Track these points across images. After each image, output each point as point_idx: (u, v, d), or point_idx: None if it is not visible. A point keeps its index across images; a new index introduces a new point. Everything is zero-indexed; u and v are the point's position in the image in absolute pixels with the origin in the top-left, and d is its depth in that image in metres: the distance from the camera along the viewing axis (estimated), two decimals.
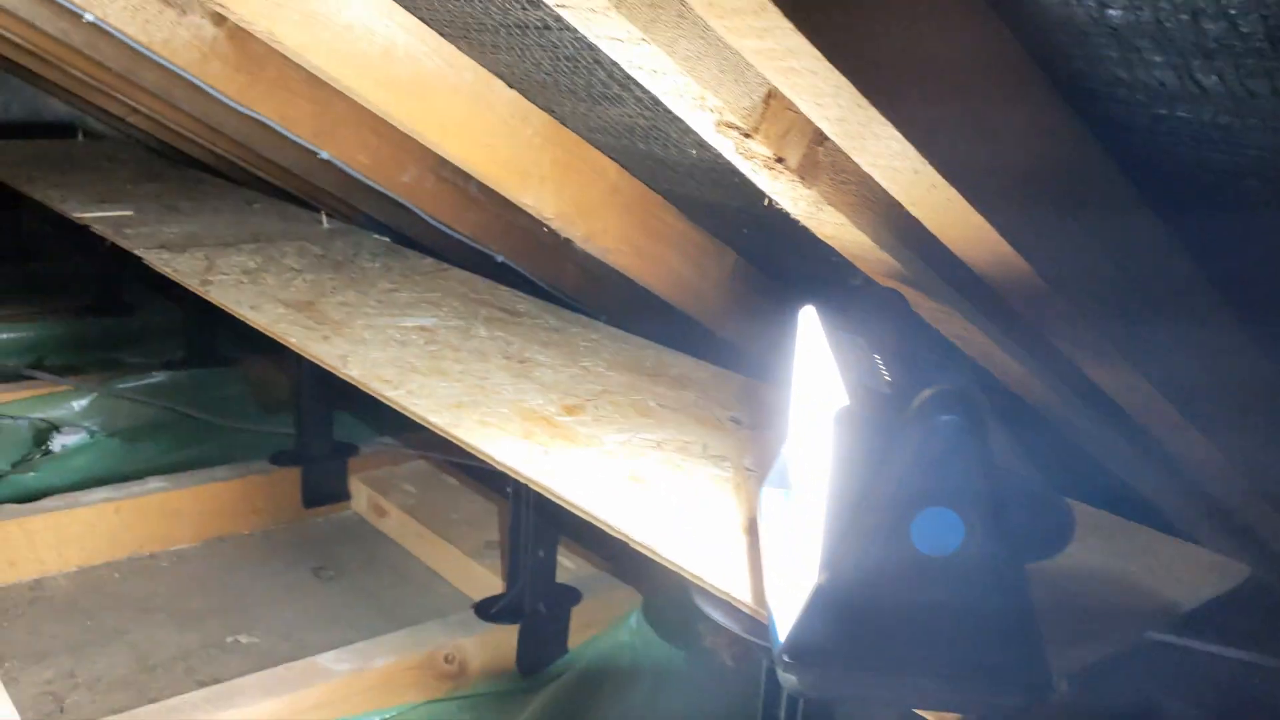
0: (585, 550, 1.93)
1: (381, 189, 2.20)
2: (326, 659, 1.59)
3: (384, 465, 2.30)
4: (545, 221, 1.69)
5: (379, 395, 1.54)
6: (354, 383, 1.58)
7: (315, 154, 2.11)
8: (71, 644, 1.74)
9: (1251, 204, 0.91)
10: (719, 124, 0.94)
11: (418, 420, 1.47)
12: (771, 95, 0.93)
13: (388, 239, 2.43)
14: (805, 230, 1.22)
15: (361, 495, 2.25)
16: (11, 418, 2.30)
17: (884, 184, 0.90)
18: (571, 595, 1.77)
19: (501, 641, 1.71)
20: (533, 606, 1.71)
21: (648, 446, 1.40)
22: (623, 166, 1.69)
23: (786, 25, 0.70)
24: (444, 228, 2.26)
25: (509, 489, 1.72)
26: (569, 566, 1.82)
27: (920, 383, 0.85)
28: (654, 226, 1.75)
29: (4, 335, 2.81)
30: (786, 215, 1.20)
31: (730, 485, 1.31)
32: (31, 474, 2.22)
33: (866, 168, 0.88)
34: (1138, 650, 1.05)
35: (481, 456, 1.38)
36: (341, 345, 1.67)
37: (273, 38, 1.37)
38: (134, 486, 2.04)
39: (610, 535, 1.24)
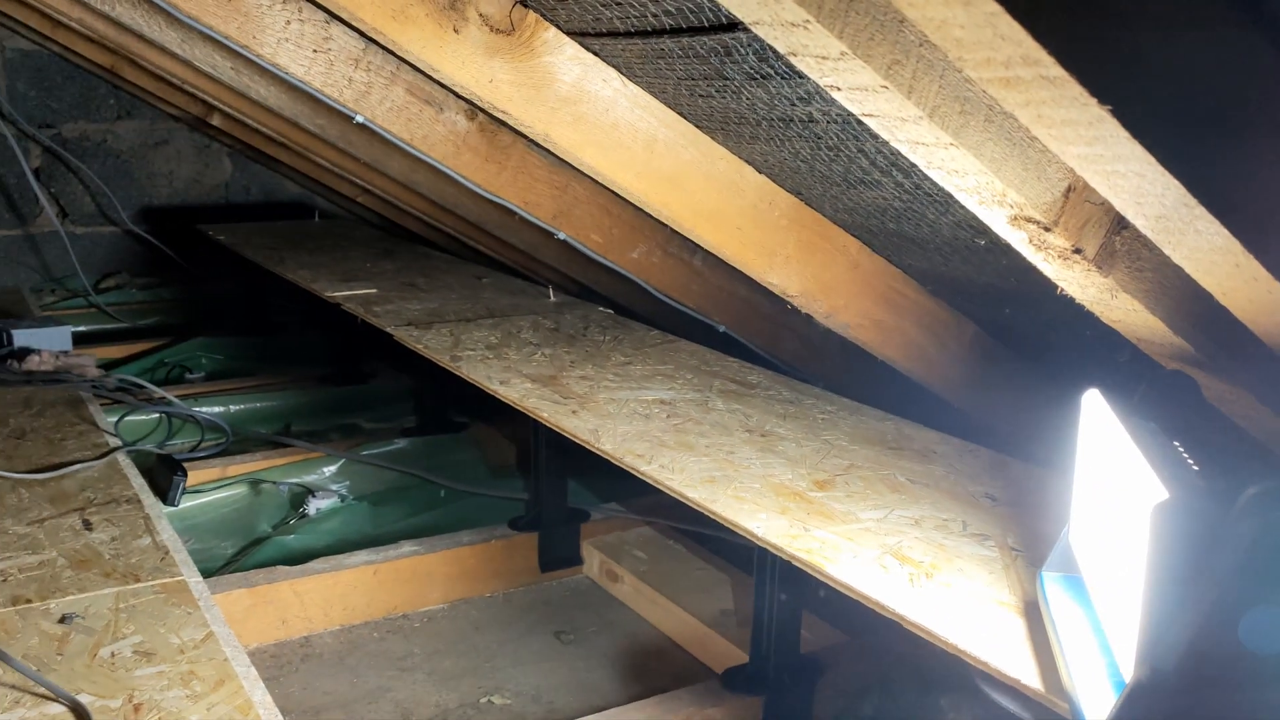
0: (822, 622, 1.93)
1: (612, 265, 2.29)
2: None
3: (614, 530, 2.37)
4: (788, 299, 1.73)
5: (633, 470, 1.59)
6: (607, 457, 1.64)
7: (552, 235, 2.22)
8: (342, 700, 1.86)
9: None
10: (1015, 218, 0.96)
11: (674, 495, 1.51)
12: (1071, 189, 0.94)
13: (611, 310, 2.52)
14: (1059, 305, 1.21)
15: (593, 560, 2.32)
16: (274, 482, 2.49)
17: (1195, 275, 0.89)
18: (814, 667, 1.78)
19: (747, 712, 1.73)
20: (777, 678, 1.73)
21: (906, 523, 1.40)
22: (863, 243, 1.72)
23: (1122, 135, 0.72)
24: (671, 301, 2.33)
25: (755, 560, 1.74)
26: (807, 637, 1.83)
27: (1235, 474, 0.84)
28: (894, 300, 1.76)
29: (257, 404, 3.05)
30: (1038, 290, 1.20)
31: (999, 566, 1.30)
32: (292, 536, 2.39)
33: (1179, 260, 0.88)
34: None
35: (740, 532, 1.41)
36: (590, 419, 1.73)
37: (548, 139, 1.47)
38: (390, 550, 2.17)
39: (849, 607, 1.24)
